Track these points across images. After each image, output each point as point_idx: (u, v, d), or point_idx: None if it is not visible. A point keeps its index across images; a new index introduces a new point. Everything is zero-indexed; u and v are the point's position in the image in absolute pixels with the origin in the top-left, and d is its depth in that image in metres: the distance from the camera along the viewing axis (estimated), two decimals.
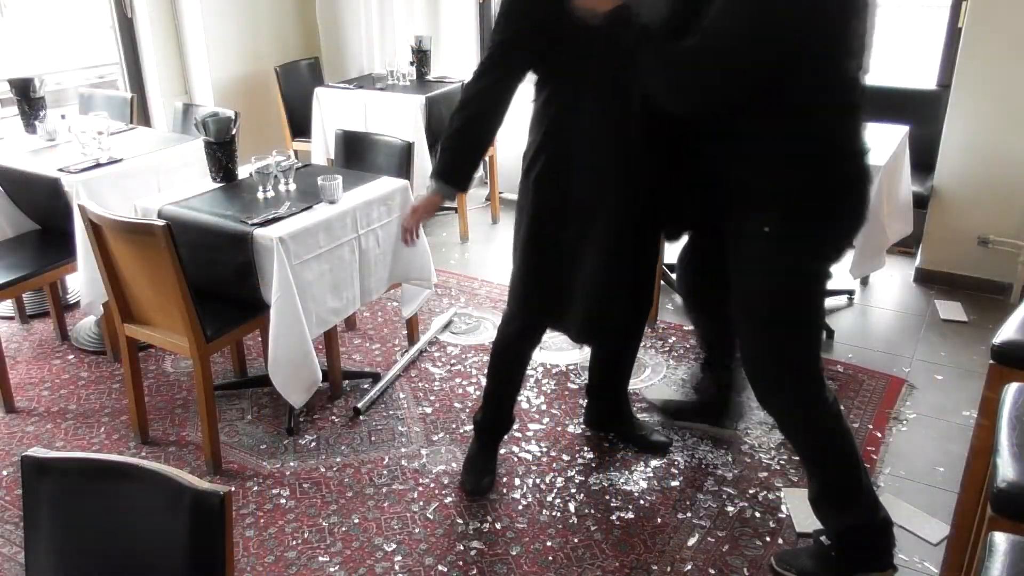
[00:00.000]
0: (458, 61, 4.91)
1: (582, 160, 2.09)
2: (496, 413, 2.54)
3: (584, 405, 2.85)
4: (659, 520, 2.40)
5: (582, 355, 3.25)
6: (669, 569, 2.23)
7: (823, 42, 1.77)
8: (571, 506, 2.47)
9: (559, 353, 3.29)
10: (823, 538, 2.17)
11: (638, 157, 2.06)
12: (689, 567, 2.23)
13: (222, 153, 2.90)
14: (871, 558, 2.13)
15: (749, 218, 1.94)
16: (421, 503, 2.49)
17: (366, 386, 3.09)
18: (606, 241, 2.13)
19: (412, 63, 4.64)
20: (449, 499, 2.50)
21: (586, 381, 2.82)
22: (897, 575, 2.17)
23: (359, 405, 2.93)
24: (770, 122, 1.85)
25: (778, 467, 2.61)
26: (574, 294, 2.20)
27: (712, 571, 2.21)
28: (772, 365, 2.06)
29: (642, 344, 3.36)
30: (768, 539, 2.32)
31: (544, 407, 2.95)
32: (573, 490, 2.53)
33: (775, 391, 2.09)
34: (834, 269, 2.04)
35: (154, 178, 3.19)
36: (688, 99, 1.87)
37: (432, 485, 2.57)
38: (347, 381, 3.11)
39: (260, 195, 2.78)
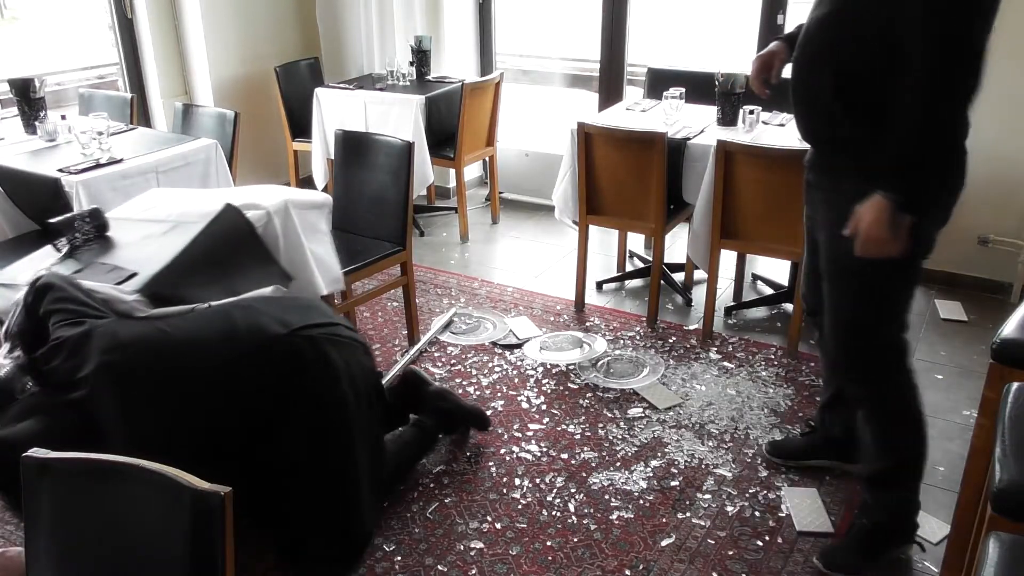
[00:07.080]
0: (458, 61, 4.91)
1: None
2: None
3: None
4: (659, 520, 2.40)
5: (582, 354, 3.26)
6: (668, 569, 2.23)
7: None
8: (571, 506, 2.47)
9: (559, 353, 3.29)
10: (864, 520, 2.21)
11: None
12: (689, 567, 2.23)
13: None
14: (905, 534, 2.22)
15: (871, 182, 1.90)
16: (421, 503, 2.49)
17: None
18: None
19: (412, 63, 4.64)
20: (449, 499, 2.50)
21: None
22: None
23: None
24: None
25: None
26: None
27: (713, 572, 2.22)
28: (858, 329, 2.08)
29: (642, 344, 3.36)
30: (768, 538, 2.32)
31: (544, 407, 2.95)
32: (573, 490, 2.53)
33: (857, 357, 2.12)
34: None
35: (154, 178, 3.19)
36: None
37: (432, 485, 2.56)
38: None
39: None
